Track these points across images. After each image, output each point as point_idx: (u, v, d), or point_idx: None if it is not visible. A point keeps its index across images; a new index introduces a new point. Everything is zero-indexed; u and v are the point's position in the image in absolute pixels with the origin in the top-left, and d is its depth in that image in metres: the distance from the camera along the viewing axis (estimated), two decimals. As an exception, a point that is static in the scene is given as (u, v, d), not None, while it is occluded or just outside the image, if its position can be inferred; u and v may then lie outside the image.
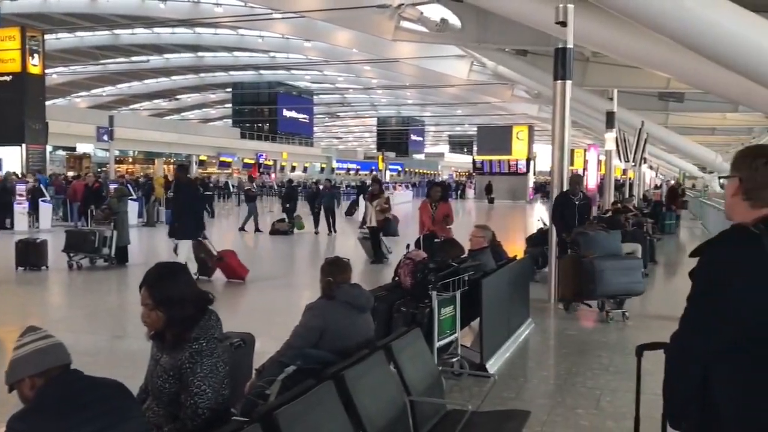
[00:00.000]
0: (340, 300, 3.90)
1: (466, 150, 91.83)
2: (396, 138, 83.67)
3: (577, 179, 9.46)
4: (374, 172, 47.18)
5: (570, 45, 8.54)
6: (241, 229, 19.15)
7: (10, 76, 28.48)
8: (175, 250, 10.16)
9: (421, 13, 20.42)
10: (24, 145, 28.07)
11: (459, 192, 51.29)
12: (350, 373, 3.03)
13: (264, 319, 7.72)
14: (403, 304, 5.35)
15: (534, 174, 48.59)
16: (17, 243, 11.66)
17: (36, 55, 29.08)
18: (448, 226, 9.47)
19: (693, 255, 1.99)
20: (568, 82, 8.67)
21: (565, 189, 8.82)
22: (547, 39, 13.92)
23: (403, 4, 20.64)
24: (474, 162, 51.00)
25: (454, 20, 19.78)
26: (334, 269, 4.02)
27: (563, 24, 8.49)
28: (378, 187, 14.08)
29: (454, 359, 5.42)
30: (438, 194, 9.75)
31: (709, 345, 1.93)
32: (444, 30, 20.25)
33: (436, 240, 8.30)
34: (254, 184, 23.14)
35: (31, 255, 11.39)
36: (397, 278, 5.87)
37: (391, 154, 73.03)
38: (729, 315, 1.89)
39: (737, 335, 1.90)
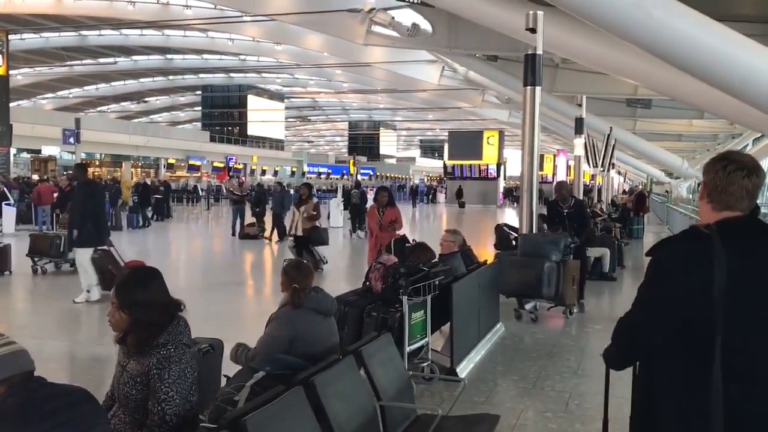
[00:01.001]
0: (307, 307, 3.89)
1: (437, 155, 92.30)
2: (367, 142, 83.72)
3: (562, 186, 9.61)
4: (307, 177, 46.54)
5: (540, 51, 8.63)
6: (234, 234, 18.82)
7: (-27, 77, 27.91)
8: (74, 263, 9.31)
9: (393, 17, 20.49)
10: (-13, 147, 27.51)
11: (430, 196, 51.52)
12: (320, 378, 3.02)
13: (228, 324, 7.65)
14: (373, 308, 5.35)
15: (504, 179, 49.02)
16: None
17: (0, 57, 28.52)
18: (396, 231, 9.36)
19: (648, 254, 2.10)
20: (538, 88, 8.75)
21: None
22: (518, 45, 14.04)
23: (374, 9, 20.69)
24: (445, 166, 51.26)
25: (426, 25, 19.88)
26: (299, 275, 3.98)
27: (533, 30, 8.58)
28: (307, 192, 12.83)
29: (425, 364, 5.42)
30: (385, 199, 9.56)
31: (652, 327, 2.04)
32: (415, 35, 20.33)
33: (407, 244, 8.30)
34: (242, 187, 22.71)
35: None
36: (367, 283, 5.86)
37: (363, 158, 73.06)
38: (668, 306, 1.99)
39: (675, 327, 1.99)
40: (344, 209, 23.10)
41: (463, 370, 5.74)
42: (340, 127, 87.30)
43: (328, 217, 23.62)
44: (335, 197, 25.80)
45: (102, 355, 6.33)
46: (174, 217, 27.06)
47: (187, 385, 2.68)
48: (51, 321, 8.32)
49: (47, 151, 40.68)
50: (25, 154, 40.19)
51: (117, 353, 2.85)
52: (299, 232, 12.05)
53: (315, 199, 12.79)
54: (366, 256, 10.27)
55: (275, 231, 17.83)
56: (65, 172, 35.00)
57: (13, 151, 31.35)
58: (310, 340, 3.79)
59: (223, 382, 3.65)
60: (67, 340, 7.43)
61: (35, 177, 31.78)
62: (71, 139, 30.52)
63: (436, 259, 6.37)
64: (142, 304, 2.69)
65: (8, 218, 18.36)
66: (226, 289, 10.63)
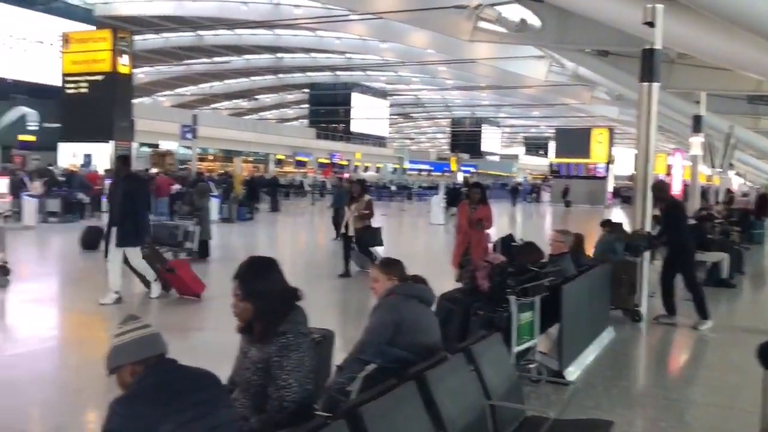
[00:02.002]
0: (411, 294, 3.91)
1: (541, 152, 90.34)
2: (469, 139, 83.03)
3: (653, 186, 9.00)
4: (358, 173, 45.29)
5: (658, 46, 8.27)
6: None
7: (102, 76, 29.81)
8: (127, 262, 8.59)
9: (500, 13, 20.23)
10: (112, 142, 29.30)
11: (534, 195, 50.51)
12: (432, 374, 3.04)
13: (331, 316, 7.81)
14: (480, 307, 5.32)
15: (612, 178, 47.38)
16: (86, 228, 12.32)
17: (125, 56, 30.31)
18: (484, 231, 9.11)
19: None
20: (656, 85, 8.39)
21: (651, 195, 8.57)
22: (631, 39, 13.51)
23: (481, 5, 20.49)
24: (551, 165, 50.11)
25: (534, 20, 19.50)
26: (393, 268, 4.00)
27: (651, 24, 8.23)
28: (359, 189, 11.74)
29: (532, 365, 5.34)
30: (477, 196, 9.32)
31: None
32: (523, 30, 20.00)
33: (513, 243, 8.18)
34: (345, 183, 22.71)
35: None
36: (472, 281, 5.83)
37: (465, 156, 72.62)
38: None
39: None
40: (449, 206, 22.99)
41: (572, 373, 5.61)
42: (442, 123, 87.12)
43: (429, 214, 23.74)
44: (436, 194, 25.80)
45: (217, 340, 6.62)
46: (282, 211, 27.92)
47: (304, 373, 2.77)
48: (169, 307, 8.75)
49: (165, 145, 42.97)
50: (145, 148, 42.61)
51: (240, 340, 2.98)
52: (350, 232, 11.22)
53: (368, 197, 11.80)
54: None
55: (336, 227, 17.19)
56: (181, 166, 36.89)
57: (135, 145, 33.21)
58: (415, 328, 3.80)
59: (333, 372, 3.74)
60: (185, 326, 7.81)
61: (154, 170, 33.61)
62: (188, 135, 32.04)
63: (544, 260, 6.25)
64: (264, 292, 2.80)
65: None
66: (329, 282, 10.83)
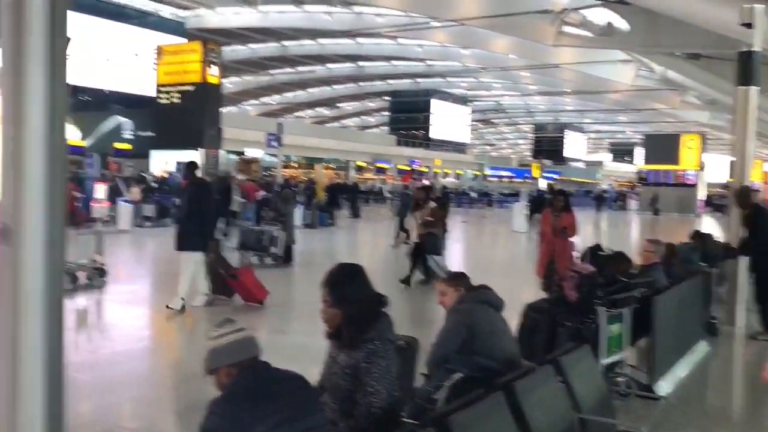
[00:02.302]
0: (480, 300, 3.93)
1: (627, 158, 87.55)
2: (552, 145, 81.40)
3: (737, 192, 8.42)
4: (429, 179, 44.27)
5: (757, 48, 7.89)
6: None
7: (192, 86, 31.02)
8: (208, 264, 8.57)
9: (585, 17, 19.81)
10: (201, 149, 30.41)
11: (620, 203, 49.02)
12: (520, 384, 3.00)
13: (411, 323, 7.81)
14: (567, 318, 5.20)
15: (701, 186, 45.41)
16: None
17: (214, 66, 31.43)
18: (568, 239, 8.85)
19: None
20: (754, 89, 8.00)
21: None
22: (726, 41, 12.93)
23: (566, 9, 20.13)
24: (638, 171, 48.52)
25: (621, 23, 18.99)
26: (461, 281, 4.04)
27: (749, 26, 7.87)
28: (424, 195, 11.74)
29: (621, 379, 5.18)
30: (560, 203, 9.08)
31: None
32: (609, 34, 19.51)
33: (600, 252, 7.96)
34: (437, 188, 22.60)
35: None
36: (559, 291, 5.71)
37: (547, 162, 71.26)
38: None
39: None
40: (532, 214, 22.56)
41: (662, 388, 5.40)
42: (524, 129, 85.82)
43: (511, 222, 23.41)
44: (518, 201, 25.43)
45: (300, 344, 6.76)
46: (362, 217, 28.20)
47: (391, 380, 2.79)
48: (255, 310, 8.98)
49: (250, 153, 44.24)
50: (232, 156, 44.00)
51: (328, 345, 3.03)
52: (415, 239, 11.17)
53: (433, 204, 11.67)
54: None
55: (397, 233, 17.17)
56: (265, 173, 37.91)
57: (222, 152, 34.34)
58: (490, 333, 3.79)
59: (420, 379, 3.75)
60: (268, 329, 7.99)
61: (240, 177, 34.62)
62: (274, 143, 32.85)
63: (634, 270, 6.06)
64: (352, 299, 2.85)
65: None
66: (409, 289, 10.76)
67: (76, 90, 34.02)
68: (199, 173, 9.22)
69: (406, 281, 10.61)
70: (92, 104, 38.17)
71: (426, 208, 11.25)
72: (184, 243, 8.29)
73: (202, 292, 8.44)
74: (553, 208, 9.06)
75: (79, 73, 30.44)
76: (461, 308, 3.88)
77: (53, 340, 1.21)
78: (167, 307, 8.14)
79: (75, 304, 9.23)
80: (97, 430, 4.49)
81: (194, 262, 8.30)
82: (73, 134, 32.48)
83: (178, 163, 30.19)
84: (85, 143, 32.59)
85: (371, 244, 20.77)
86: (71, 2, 1.20)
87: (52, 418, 1.23)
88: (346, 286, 2.88)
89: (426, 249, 10.75)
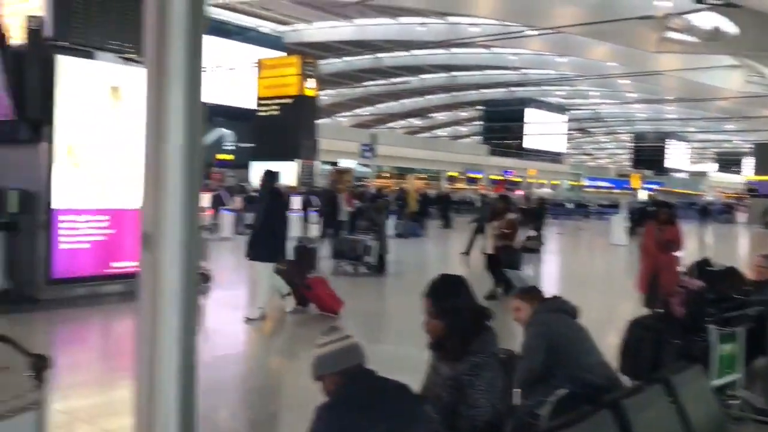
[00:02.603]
0: (555, 309, 3.87)
1: (735, 169, 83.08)
2: (653, 155, 78.31)
3: None
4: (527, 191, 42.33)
5: None
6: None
7: (290, 99, 31.92)
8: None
9: (690, 21, 19.02)
10: (298, 160, 31.20)
11: (726, 216, 46.54)
12: (628, 403, 2.89)
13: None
14: (674, 335, 4.99)
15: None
16: (295, 248, 13.01)
17: (311, 80, 32.22)
18: (673, 254, 8.38)
19: None
20: None
21: None
22: None
23: (669, 14, 19.42)
24: (747, 182, 45.95)
25: (729, 27, 18.12)
26: (535, 294, 3.98)
27: None
28: (502, 206, 11.13)
29: (734, 401, 4.90)
30: (665, 216, 8.61)
31: None
32: (716, 39, 18.66)
33: (708, 268, 7.57)
34: (529, 201, 21.95)
35: (304, 258, 12.61)
36: (665, 307, 5.49)
37: (648, 172, 68.64)
38: None
39: None
40: (634, 227, 21.72)
41: (780, 414, 5.07)
42: (623, 138, 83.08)
43: (610, 234, 22.65)
44: (618, 213, 24.60)
45: (395, 354, 6.79)
46: (453, 228, 28.07)
47: (495, 394, 2.77)
48: (351, 318, 9.10)
49: (343, 163, 45.03)
50: (326, 166, 44.92)
51: (429, 356, 3.04)
52: (489, 250, 10.74)
53: (512, 215, 11.09)
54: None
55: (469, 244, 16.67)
56: (358, 183, 38.43)
57: (317, 163, 35.10)
58: (573, 341, 3.71)
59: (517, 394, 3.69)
60: (364, 338, 8.08)
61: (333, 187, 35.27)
62: (368, 153, 33.30)
63: (748, 287, 5.73)
64: (455, 310, 2.84)
65: (313, 223, 20.66)
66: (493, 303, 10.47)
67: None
68: (277, 183, 9.17)
69: (491, 296, 10.18)
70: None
71: (504, 219, 10.78)
72: (255, 253, 8.29)
73: (284, 294, 8.63)
74: (657, 221, 8.68)
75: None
76: (537, 320, 3.83)
77: (188, 340, 1.29)
78: (247, 318, 8.24)
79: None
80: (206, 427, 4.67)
81: (269, 272, 8.34)
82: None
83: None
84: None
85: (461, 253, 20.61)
86: (207, 27, 1.27)
87: (186, 413, 1.31)
88: (450, 297, 2.88)
89: (502, 263, 10.36)
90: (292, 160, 31.14)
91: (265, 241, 8.24)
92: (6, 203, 8.90)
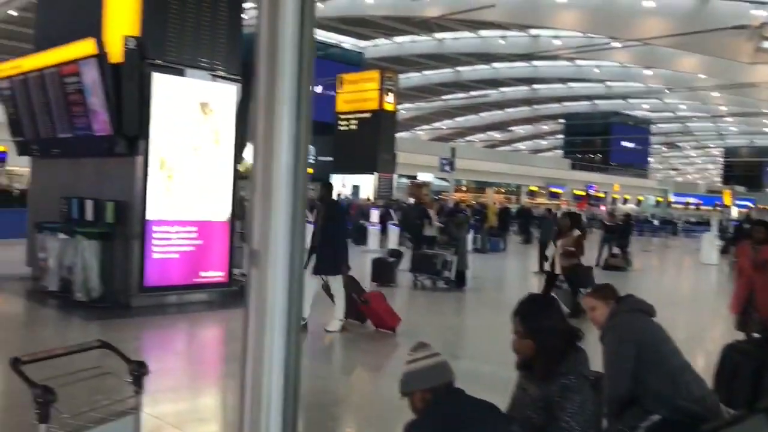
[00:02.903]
0: (635, 308, 3.66)
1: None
2: (747, 170, 74.67)
3: None
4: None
5: None
6: (598, 264, 18.46)
7: (369, 113, 32.28)
8: (327, 290, 8.45)
9: (789, 30, 18.13)
10: (376, 174, 31.47)
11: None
12: (729, 434, 2.76)
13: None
14: (775, 362, 4.72)
15: None
16: (373, 261, 13.11)
17: (390, 94, 32.50)
18: None
19: None
20: None
21: None
22: None
23: (765, 24, 18.57)
24: None
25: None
26: (610, 292, 3.74)
27: None
28: (568, 223, 10.51)
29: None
30: (761, 235, 8.08)
31: None
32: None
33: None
34: (614, 217, 21.17)
35: (383, 272, 12.70)
36: (765, 331, 5.21)
37: (741, 188, 65.53)
38: None
39: None
40: (728, 245, 20.64)
41: None
42: (714, 153, 79.73)
43: (699, 252, 21.71)
44: (708, 231, 23.57)
45: (474, 370, 6.71)
46: (534, 243, 27.59)
47: (586, 417, 2.69)
48: (429, 333, 9.07)
49: (422, 177, 45.09)
50: (404, 180, 45.09)
51: (517, 375, 2.98)
52: (557, 270, 10.16)
53: (578, 232, 10.41)
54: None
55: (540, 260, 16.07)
56: (436, 197, 38.38)
57: (395, 176, 35.29)
58: (659, 342, 3.53)
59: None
60: (443, 353, 8.03)
61: (411, 200, 35.39)
62: (447, 167, 33.27)
63: None
64: (546, 330, 2.78)
65: (392, 236, 20.74)
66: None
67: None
68: (334, 195, 9.10)
69: (576, 314, 9.62)
70: (279, 131, 40.95)
71: (569, 237, 10.20)
72: (320, 267, 8.15)
73: (338, 317, 8.34)
74: (753, 240, 8.25)
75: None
76: (618, 323, 3.59)
77: (293, 355, 1.32)
78: (326, 330, 8.20)
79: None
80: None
81: (339, 284, 8.28)
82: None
83: (354, 187, 31.50)
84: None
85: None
86: (315, 50, 1.31)
87: (289, 425, 1.35)
88: (540, 317, 2.83)
89: (574, 283, 9.93)
90: (371, 174, 31.45)
91: (327, 254, 8.12)
92: (103, 214, 9.37)
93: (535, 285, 15.79)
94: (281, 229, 1.31)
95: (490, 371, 6.64)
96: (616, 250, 18.68)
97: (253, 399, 1.33)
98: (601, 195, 55.31)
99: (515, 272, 18.59)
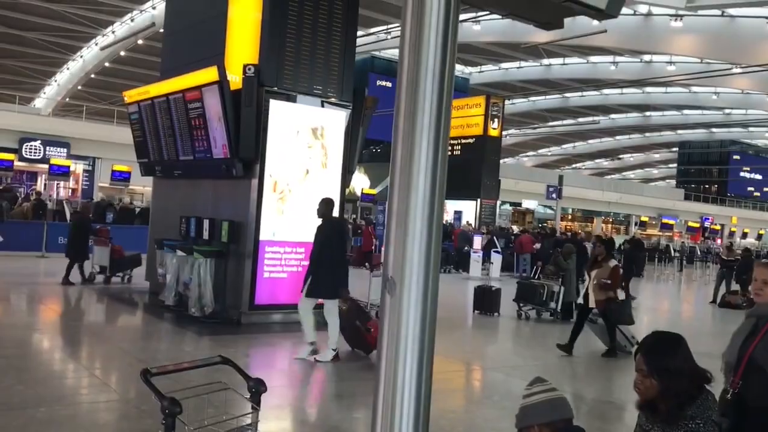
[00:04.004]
0: None
1: None
2: None
3: None
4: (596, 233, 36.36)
5: None
6: (714, 300, 17.58)
7: (473, 139, 32.19)
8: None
9: None
10: (479, 200, 31.25)
11: None
12: None
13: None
14: None
15: None
16: (476, 289, 12.95)
17: (495, 120, 32.30)
18: None
19: None
20: None
21: None
22: None
23: None
24: None
25: None
26: None
27: None
28: (603, 252, 9.49)
29: None
30: None
31: None
32: None
33: None
34: (731, 251, 19.96)
35: (486, 301, 12.52)
36: None
37: None
38: None
39: None
40: None
41: None
42: None
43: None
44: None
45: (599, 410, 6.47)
46: (644, 276, 26.46)
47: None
48: (536, 366, 8.84)
49: (526, 204, 44.35)
50: (507, 206, 44.47)
51: (638, 416, 2.85)
52: (591, 304, 9.24)
53: (614, 262, 9.51)
54: None
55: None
56: (540, 225, 37.63)
57: (497, 203, 34.89)
58: None
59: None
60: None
61: (515, 228, 34.84)
62: (554, 195, 32.62)
63: None
64: (672, 371, 2.64)
65: (495, 264, 20.48)
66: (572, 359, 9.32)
67: (368, 142, 37.41)
68: (335, 212, 8.49)
69: (566, 348, 9.19)
70: (381, 155, 41.55)
71: (605, 267, 9.22)
72: (315, 289, 7.63)
73: (309, 341, 7.81)
74: None
75: (373, 127, 33.54)
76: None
77: (426, 379, 1.34)
78: (315, 360, 7.66)
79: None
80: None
81: (309, 309, 7.73)
82: (363, 183, 35.59)
83: (455, 212, 31.40)
84: (375, 191, 35.45)
85: (653, 305, 19.33)
86: (453, 84, 1.33)
87: None
88: (667, 356, 2.69)
89: (611, 319, 9.22)
90: (474, 200, 31.26)
91: (324, 275, 7.60)
92: (219, 233, 9.81)
93: (644, 319, 15.11)
94: (416, 258, 1.33)
95: (601, 410, 6.39)
96: (735, 287, 17.60)
97: (385, 423, 1.35)
98: (717, 227, 52.35)
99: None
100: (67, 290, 12.13)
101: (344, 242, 8.35)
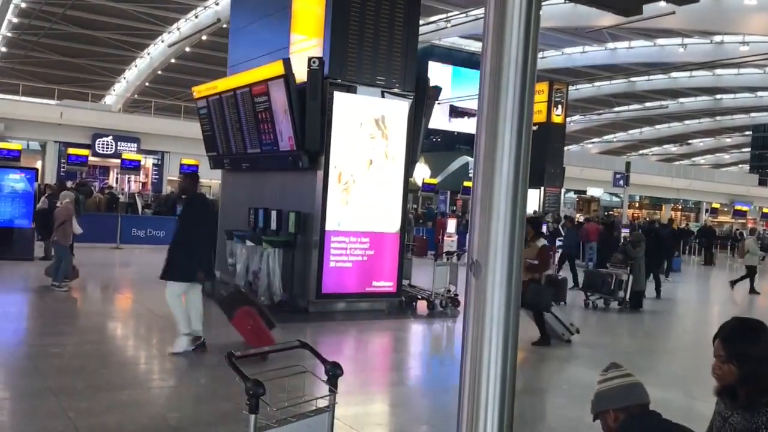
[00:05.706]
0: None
1: None
2: None
3: None
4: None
5: None
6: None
7: (536, 126, 31.70)
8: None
9: None
10: (542, 188, 30.79)
11: None
12: None
13: None
14: None
15: None
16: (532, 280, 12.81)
17: (559, 106, 31.70)
18: None
19: None
20: None
21: None
22: None
23: None
24: None
25: None
26: None
27: None
28: (530, 231, 8.59)
29: None
30: None
31: None
32: None
33: None
34: None
35: (556, 290, 12.37)
36: None
37: None
38: None
39: None
40: None
41: None
42: None
43: None
44: None
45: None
46: (716, 264, 25.65)
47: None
48: (605, 355, 8.71)
49: (591, 192, 43.46)
50: (571, 194, 43.65)
51: (716, 402, 2.81)
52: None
53: (542, 242, 8.93)
54: None
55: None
56: (606, 213, 36.88)
57: (562, 191, 34.31)
58: None
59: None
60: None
61: (579, 216, 34.21)
62: (621, 182, 31.89)
63: None
64: (752, 357, 2.60)
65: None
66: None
67: (429, 132, 37.32)
68: (199, 187, 7.93)
69: (541, 341, 8.60)
70: (441, 145, 41.34)
71: (532, 247, 8.48)
72: (166, 271, 7.00)
73: (183, 332, 7.06)
74: None
75: (433, 117, 33.44)
76: None
77: (510, 362, 1.39)
78: (170, 353, 7.01)
79: (432, 330, 10.04)
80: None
81: (177, 294, 7.03)
82: (424, 173, 35.53)
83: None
84: (435, 181, 35.37)
85: (720, 294, 18.70)
86: (536, 70, 1.37)
87: (506, 425, 1.42)
88: (747, 343, 2.64)
89: (528, 300, 8.25)
90: (537, 188, 30.82)
91: (180, 256, 6.92)
92: (286, 224, 10.02)
93: (706, 308, 14.66)
94: (501, 241, 1.37)
95: (672, 399, 6.27)
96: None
97: (470, 406, 1.40)
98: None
99: (696, 295, 17.33)
100: (142, 282, 12.57)
101: (206, 220, 7.40)
